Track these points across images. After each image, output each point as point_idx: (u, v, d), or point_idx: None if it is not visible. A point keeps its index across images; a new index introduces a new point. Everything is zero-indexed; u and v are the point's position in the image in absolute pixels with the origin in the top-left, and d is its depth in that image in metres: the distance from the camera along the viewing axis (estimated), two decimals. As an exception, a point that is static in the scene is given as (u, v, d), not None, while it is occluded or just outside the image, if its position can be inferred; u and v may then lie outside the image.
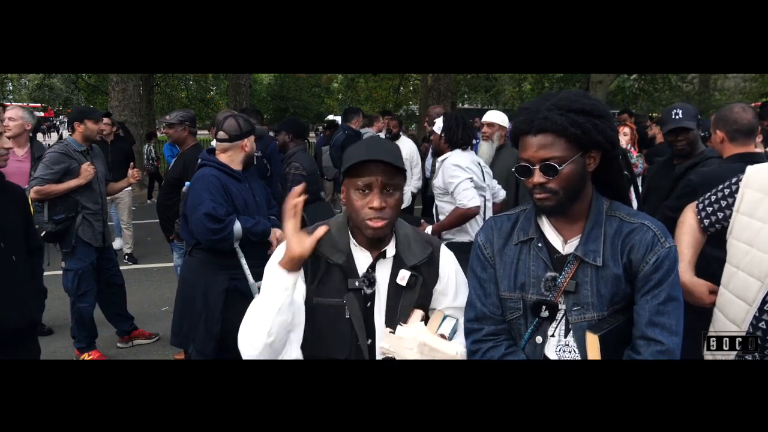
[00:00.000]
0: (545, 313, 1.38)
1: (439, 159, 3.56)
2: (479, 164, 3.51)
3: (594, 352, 1.31)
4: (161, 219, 4.32)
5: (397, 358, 1.39)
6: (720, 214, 1.96)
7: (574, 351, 1.38)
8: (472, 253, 1.54)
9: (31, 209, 3.65)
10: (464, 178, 3.26)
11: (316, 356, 1.49)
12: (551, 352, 1.41)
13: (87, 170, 3.82)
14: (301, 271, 1.43)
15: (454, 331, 1.50)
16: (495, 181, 3.71)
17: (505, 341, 1.45)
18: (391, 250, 1.51)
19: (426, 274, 1.52)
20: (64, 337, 4.31)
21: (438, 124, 3.52)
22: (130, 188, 6.38)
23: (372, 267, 1.49)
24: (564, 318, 1.39)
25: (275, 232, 3.04)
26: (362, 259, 1.50)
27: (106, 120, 6.12)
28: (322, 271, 1.48)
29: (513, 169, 1.39)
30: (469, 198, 3.24)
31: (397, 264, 1.50)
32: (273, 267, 1.40)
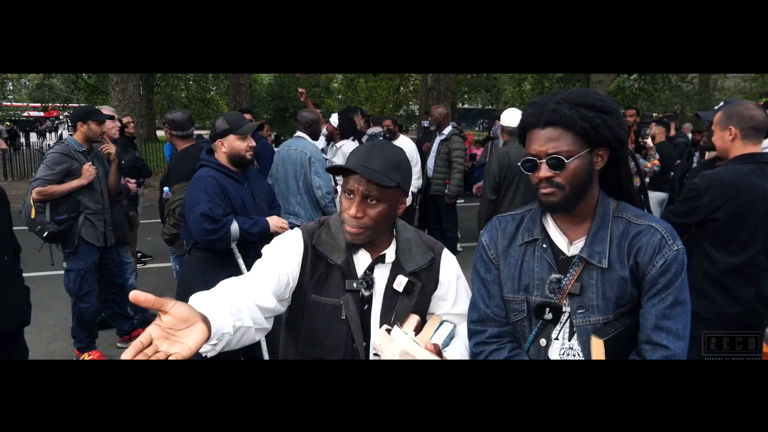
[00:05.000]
0: (549, 316, 1.36)
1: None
2: None
3: (599, 356, 1.28)
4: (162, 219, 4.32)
5: (381, 357, 1.36)
6: None
7: (578, 355, 1.36)
8: (476, 254, 1.52)
9: (33, 210, 3.68)
10: None
11: (309, 354, 1.49)
12: (555, 355, 1.38)
13: (89, 170, 3.82)
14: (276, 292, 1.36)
15: (451, 337, 1.48)
16: None
17: (508, 344, 1.43)
18: (390, 255, 1.50)
19: (425, 280, 1.51)
20: (64, 337, 4.31)
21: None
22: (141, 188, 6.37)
23: (370, 269, 1.48)
24: (568, 321, 1.36)
25: (273, 219, 3.06)
26: (361, 260, 1.49)
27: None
28: (323, 270, 1.48)
29: (519, 164, 1.36)
30: None
31: (396, 268, 1.49)
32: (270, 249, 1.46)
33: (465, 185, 6.44)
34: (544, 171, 1.30)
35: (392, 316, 1.46)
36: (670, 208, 2.69)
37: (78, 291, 3.87)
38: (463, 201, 7.34)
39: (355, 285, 1.45)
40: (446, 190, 6.16)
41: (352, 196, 1.40)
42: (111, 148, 4.26)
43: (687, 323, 1.31)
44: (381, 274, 1.49)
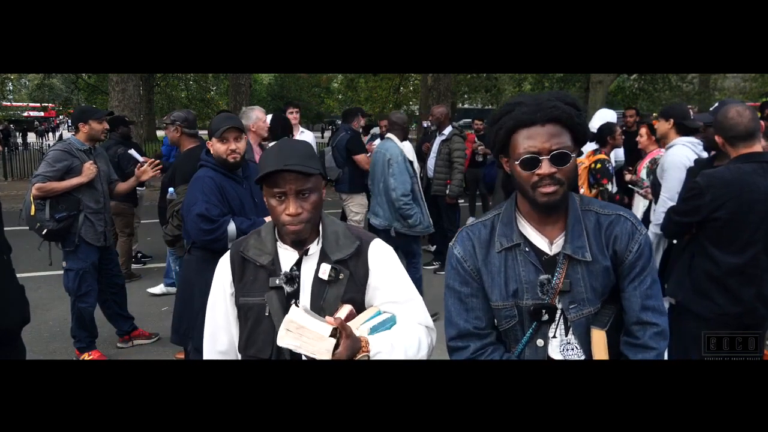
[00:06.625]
0: (546, 317, 1.38)
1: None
2: None
3: (600, 347, 1.34)
4: (162, 221, 4.32)
5: (278, 341, 1.31)
6: None
7: (577, 347, 1.40)
8: (447, 267, 1.50)
9: (33, 207, 3.67)
10: None
11: (247, 355, 1.51)
12: (555, 352, 1.41)
13: (89, 168, 3.81)
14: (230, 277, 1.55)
15: (392, 323, 1.45)
16: None
17: (494, 353, 1.44)
18: (314, 247, 1.51)
19: (354, 268, 1.50)
20: (64, 337, 4.31)
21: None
22: (144, 188, 6.33)
23: (297, 265, 1.49)
24: (562, 317, 1.40)
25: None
26: (288, 258, 1.51)
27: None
28: (250, 273, 1.52)
29: (516, 163, 1.32)
30: None
31: (323, 260, 1.50)
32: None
33: (465, 185, 6.42)
34: (548, 167, 1.29)
35: (321, 306, 1.45)
36: (672, 208, 2.69)
37: (77, 291, 3.86)
38: (463, 201, 7.34)
39: (278, 282, 1.47)
40: (447, 191, 6.16)
41: (284, 197, 1.42)
42: (149, 174, 4.22)
43: (661, 297, 1.43)
44: (308, 268, 1.50)
